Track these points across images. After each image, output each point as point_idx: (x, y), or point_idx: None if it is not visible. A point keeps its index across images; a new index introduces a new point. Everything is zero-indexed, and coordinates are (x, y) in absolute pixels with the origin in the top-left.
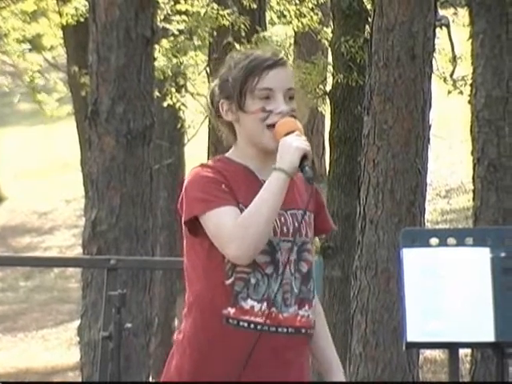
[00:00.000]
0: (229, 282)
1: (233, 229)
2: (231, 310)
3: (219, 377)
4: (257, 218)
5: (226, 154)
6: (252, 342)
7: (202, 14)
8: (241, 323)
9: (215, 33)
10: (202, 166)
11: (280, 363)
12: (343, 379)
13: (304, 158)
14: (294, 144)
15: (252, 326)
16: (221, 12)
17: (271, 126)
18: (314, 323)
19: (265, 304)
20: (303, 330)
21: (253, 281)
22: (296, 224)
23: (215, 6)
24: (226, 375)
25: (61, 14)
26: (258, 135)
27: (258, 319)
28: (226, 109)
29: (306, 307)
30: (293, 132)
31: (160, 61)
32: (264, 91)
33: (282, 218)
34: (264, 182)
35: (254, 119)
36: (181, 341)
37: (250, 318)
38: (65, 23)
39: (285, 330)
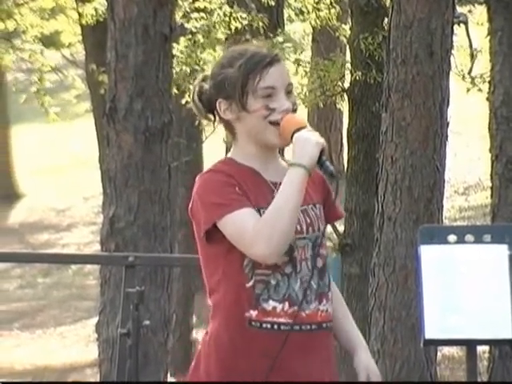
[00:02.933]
0: (249, 284)
1: (258, 229)
2: (253, 313)
3: (246, 379)
4: (282, 215)
5: (230, 155)
6: (276, 342)
7: (215, 17)
8: (264, 325)
9: (233, 30)
10: (212, 170)
11: (306, 360)
12: (369, 356)
13: (322, 152)
14: (312, 139)
15: (275, 326)
16: (234, 15)
17: (274, 123)
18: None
19: (287, 304)
20: (324, 325)
21: (273, 282)
22: (308, 220)
23: (227, 9)
24: (252, 377)
25: (80, 14)
26: (261, 132)
27: (281, 319)
28: (225, 108)
29: (325, 301)
30: (303, 128)
31: (180, 58)
32: (267, 90)
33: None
34: (270, 182)
35: (257, 117)
36: (207, 343)
37: (272, 319)
38: (84, 23)
39: (308, 327)
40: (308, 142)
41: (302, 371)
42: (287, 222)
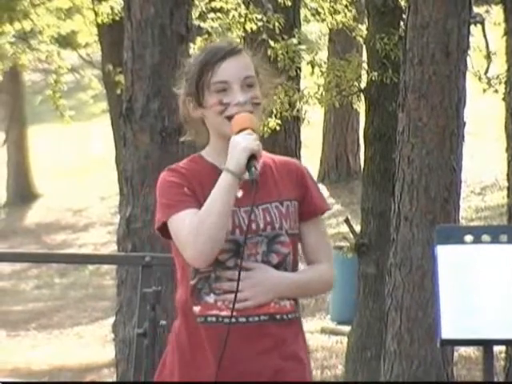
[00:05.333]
0: (193, 282)
1: (186, 233)
2: (197, 308)
3: (202, 374)
4: (206, 219)
5: (202, 152)
6: (223, 335)
7: (230, 18)
8: (209, 319)
9: (248, 31)
10: (168, 169)
11: (257, 352)
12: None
13: (252, 157)
14: (241, 144)
15: (220, 319)
16: (249, 16)
17: (230, 118)
18: (295, 309)
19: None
20: (278, 316)
21: (213, 276)
22: (268, 218)
23: (243, 10)
24: (207, 372)
25: (96, 13)
26: (220, 128)
27: (224, 312)
28: (192, 106)
29: None
30: (245, 129)
31: None
32: (219, 84)
33: (252, 215)
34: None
35: (214, 112)
36: (170, 341)
37: (217, 312)
38: (100, 22)
39: (256, 318)
40: (236, 147)
41: (255, 362)
42: (211, 226)
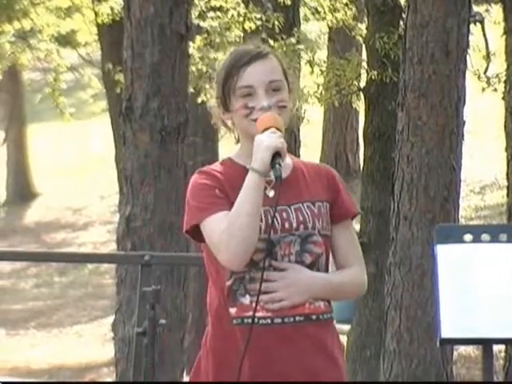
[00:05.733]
0: (229, 283)
1: (219, 236)
2: (233, 310)
3: (236, 377)
4: (236, 221)
5: (231, 155)
6: (261, 336)
7: (230, 17)
8: (245, 320)
9: (247, 31)
10: (199, 172)
11: (294, 353)
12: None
13: (276, 155)
14: (264, 142)
15: (256, 320)
16: (248, 15)
17: (255, 121)
18: (329, 309)
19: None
20: (314, 317)
21: (247, 277)
22: (301, 217)
23: (242, 9)
24: (242, 373)
25: (96, 14)
26: (247, 130)
27: (260, 313)
28: (220, 109)
29: None
30: (269, 128)
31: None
32: (244, 89)
33: (285, 214)
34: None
35: (240, 116)
36: (204, 344)
37: (253, 313)
38: (100, 22)
39: (291, 319)
40: (260, 146)
41: (293, 363)
42: (242, 227)
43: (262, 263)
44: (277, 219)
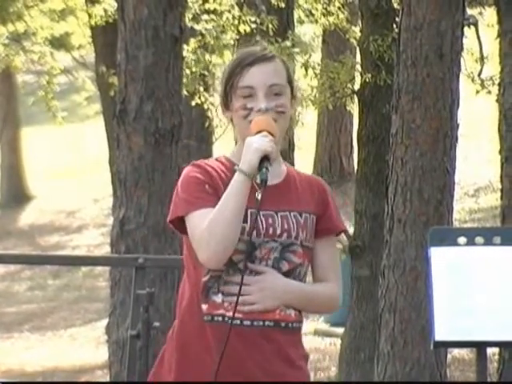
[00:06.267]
0: (205, 279)
1: (201, 232)
2: (204, 306)
3: (202, 372)
4: (220, 221)
5: (228, 153)
6: (230, 336)
7: (224, 20)
8: (215, 318)
9: (242, 33)
10: (193, 164)
11: (259, 357)
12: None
13: (265, 158)
14: (254, 144)
15: (226, 319)
16: (243, 18)
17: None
18: (299, 319)
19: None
20: (283, 324)
21: (224, 276)
22: (286, 226)
23: (236, 12)
24: (204, 371)
25: (90, 15)
26: (244, 131)
27: (230, 313)
28: (222, 108)
29: None
30: (261, 131)
31: (188, 60)
32: (245, 89)
33: (270, 219)
34: (255, 181)
35: (238, 116)
36: (170, 337)
37: (223, 312)
38: (94, 24)
39: (261, 323)
40: (249, 148)
41: (257, 365)
42: (224, 226)
43: (242, 264)
44: (262, 223)
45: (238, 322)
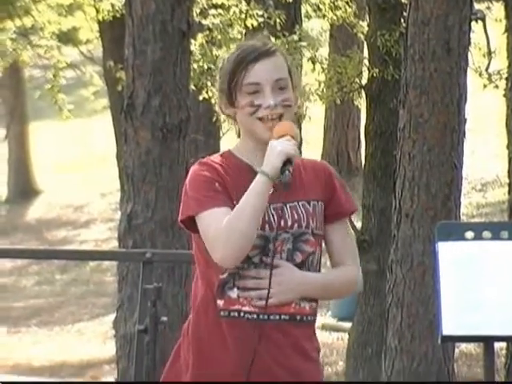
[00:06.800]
0: (223, 276)
1: (216, 232)
2: (220, 302)
3: (221, 369)
4: (240, 221)
5: (231, 148)
6: (247, 331)
7: (231, 14)
8: (231, 313)
9: (249, 28)
10: (200, 163)
11: (277, 350)
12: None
13: (288, 161)
14: (278, 148)
15: (242, 314)
16: (250, 12)
17: (262, 119)
18: (314, 312)
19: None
20: (298, 317)
21: (240, 271)
22: (296, 216)
23: (244, 6)
24: (226, 366)
25: (97, 10)
26: (252, 128)
27: (246, 308)
28: (224, 103)
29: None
30: (284, 136)
31: (196, 54)
32: (251, 86)
33: (281, 212)
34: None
35: (245, 113)
36: (186, 333)
37: (239, 307)
38: (101, 19)
39: (277, 317)
40: (273, 151)
41: (275, 360)
42: (245, 227)
43: (257, 259)
44: (273, 217)
45: (255, 316)
